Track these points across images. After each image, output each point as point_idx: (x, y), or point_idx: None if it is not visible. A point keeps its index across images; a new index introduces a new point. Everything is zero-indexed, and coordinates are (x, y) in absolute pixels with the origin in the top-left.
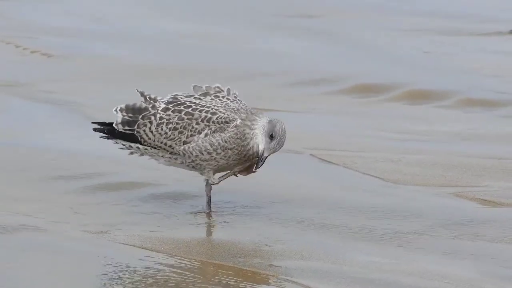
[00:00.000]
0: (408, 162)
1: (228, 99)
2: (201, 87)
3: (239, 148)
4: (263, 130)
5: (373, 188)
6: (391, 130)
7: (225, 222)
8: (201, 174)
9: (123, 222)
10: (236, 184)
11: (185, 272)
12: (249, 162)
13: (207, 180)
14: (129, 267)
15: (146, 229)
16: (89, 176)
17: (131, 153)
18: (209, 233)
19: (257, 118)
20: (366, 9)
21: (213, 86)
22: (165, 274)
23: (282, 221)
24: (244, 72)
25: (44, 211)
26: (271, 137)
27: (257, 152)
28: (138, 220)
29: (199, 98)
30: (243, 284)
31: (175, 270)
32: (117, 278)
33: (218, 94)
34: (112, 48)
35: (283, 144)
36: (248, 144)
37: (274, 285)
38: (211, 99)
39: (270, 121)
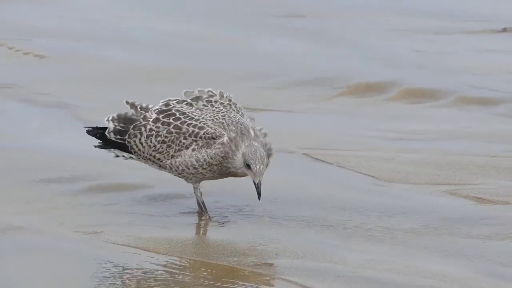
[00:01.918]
0: (402, 160)
1: (221, 103)
2: (193, 91)
3: (221, 166)
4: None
5: (367, 187)
6: (384, 129)
7: (219, 222)
8: (186, 181)
9: (117, 222)
10: (230, 185)
11: (179, 271)
12: (234, 176)
13: (194, 187)
14: (123, 267)
15: (139, 230)
16: (82, 177)
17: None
18: (203, 232)
19: (240, 145)
20: (359, 9)
21: (206, 90)
22: (159, 273)
23: (276, 220)
24: (239, 73)
25: (37, 212)
26: (248, 166)
27: (236, 173)
28: (132, 221)
29: (191, 104)
30: (238, 284)
31: (169, 269)
32: (111, 278)
33: (210, 99)
34: (105, 50)
35: (263, 161)
36: (228, 163)
37: (269, 284)
38: (203, 105)
39: (243, 154)
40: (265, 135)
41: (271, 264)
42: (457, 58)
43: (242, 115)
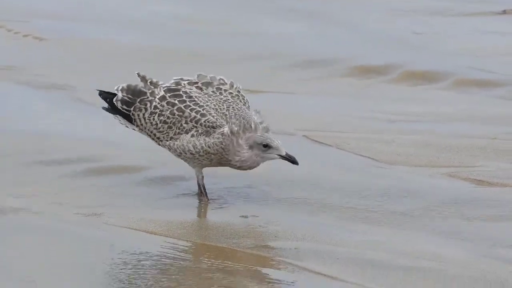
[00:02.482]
0: (402, 142)
1: (230, 93)
2: (206, 76)
3: (221, 156)
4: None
5: (367, 169)
6: (384, 111)
7: (218, 204)
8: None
9: (117, 204)
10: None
11: (179, 253)
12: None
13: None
14: (123, 249)
15: (139, 211)
16: (82, 159)
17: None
18: (202, 215)
19: (242, 137)
20: None
21: (218, 78)
22: (159, 255)
23: (276, 202)
24: (238, 55)
25: (37, 194)
26: (266, 146)
27: (234, 163)
28: (132, 203)
29: (201, 88)
30: (238, 265)
31: (169, 251)
32: (111, 260)
33: (220, 87)
34: (105, 32)
35: (271, 136)
36: (229, 156)
37: (268, 266)
38: (213, 91)
39: (250, 146)
40: (267, 129)
41: (271, 246)
42: (457, 40)
43: (248, 107)
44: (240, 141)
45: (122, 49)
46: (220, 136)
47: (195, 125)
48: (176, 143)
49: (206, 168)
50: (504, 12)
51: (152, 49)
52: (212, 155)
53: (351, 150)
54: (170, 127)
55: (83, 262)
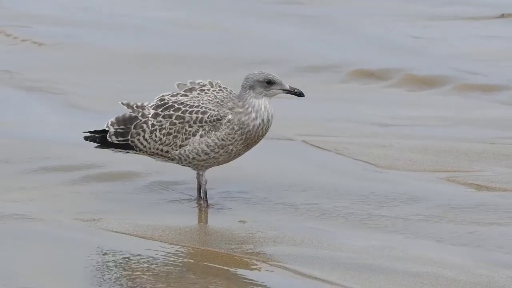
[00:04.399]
0: (400, 147)
1: (214, 90)
2: (185, 84)
3: (242, 137)
4: (259, 96)
5: (365, 174)
6: (383, 116)
7: (217, 209)
8: (193, 169)
9: (116, 210)
10: (228, 172)
11: (177, 258)
12: (254, 144)
13: (199, 174)
14: (122, 254)
15: (138, 217)
16: (80, 166)
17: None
18: (201, 220)
19: (243, 98)
20: None
21: (197, 82)
22: (157, 261)
23: (275, 207)
24: (237, 60)
25: (36, 200)
26: (270, 83)
27: (259, 125)
28: (130, 208)
29: (185, 95)
30: (236, 271)
31: (167, 257)
32: (109, 265)
33: (203, 88)
34: (103, 37)
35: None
36: (247, 121)
37: (267, 271)
38: (198, 93)
39: (251, 88)
40: None
41: (269, 252)
42: (455, 45)
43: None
44: (240, 102)
45: (121, 54)
46: (228, 123)
47: (200, 124)
48: (186, 149)
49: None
50: (503, 16)
51: (150, 55)
52: (230, 146)
53: (349, 155)
54: (175, 136)
55: (81, 267)
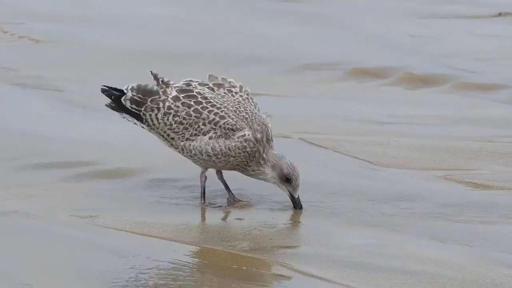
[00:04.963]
0: (398, 145)
1: (241, 96)
2: (217, 77)
3: (242, 160)
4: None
5: (362, 172)
6: (381, 114)
7: (214, 206)
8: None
9: (112, 207)
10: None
11: (173, 255)
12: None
13: (203, 171)
14: (118, 251)
15: (135, 214)
16: (77, 162)
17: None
18: (198, 217)
19: (267, 153)
20: None
21: (228, 80)
22: (154, 258)
23: (271, 205)
24: (235, 58)
25: (32, 196)
26: (287, 180)
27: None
28: (127, 206)
29: (213, 90)
30: (233, 268)
31: (164, 254)
32: (105, 262)
33: (231, 89)
34: (100, 34)
35: (298, 174)
36: (251, 163)
37: (264, 269)
38: (224, 93)
39: (274, 167)
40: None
41: (266, 249)
42: (454, 43)
43: (258, 110)
44: (265, 155)
45: (118, 52)
46: (243, 140)
47: (214, 127)
48: (192, 144)
49: (198, 171)
50: (500, 14)
51: (148, 51)
52: (232, 158)
53: (347, 153)
54: (186, 128)
55: (78, 265)
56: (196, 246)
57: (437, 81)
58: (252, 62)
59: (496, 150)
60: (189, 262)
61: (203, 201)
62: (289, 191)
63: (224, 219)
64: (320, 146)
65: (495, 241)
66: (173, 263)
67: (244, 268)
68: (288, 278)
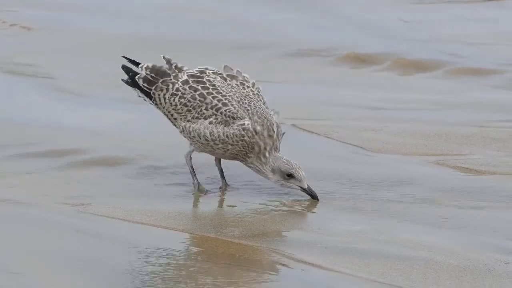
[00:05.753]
0: (390, 131)
1: (252, 91)
2: (233, 69)
3: (240, 149)
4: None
5: (355, 158)
6: (373, 99)
7: (206, 193)
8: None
9: (105, 195)
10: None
11: (166, 243)
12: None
13: (189, 151)
14: (110, 238)
15: (127, 202)
16: (69, 150)
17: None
18: (190, 205)
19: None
20: None
21: (243, 74)
22: (146, 245)
23: (263, 192)
24: (228, 44)
25: (24, 184)
26: (290, 176)
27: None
28: (120, 193)
29: (225, 80)
30: (225, 255)
31: (156, 241)
32: (97, 249)
33: (244, 82)
34: (92, 22)
35: (300, 165)
36: (250, 154)
37: (256, 256)
38: (236, 84)
39: (274, 170)
40: (282, 133)
41: (258, 236)
42: (446, 28)
43: (267, 107)
44: (267, 154)
45: (110, 39)
46: (241, 129)
47: (215, 112)
48: (192, 126)
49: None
50: None
51: (138, 38)
52: (230, 146)
53: (339, 138)
54: (189, 110)
55: (69, 253)
56: (188, 233)
57: (429, 66)
58: (244, 49)
59: (488, 135)
60: (181, 250)
61: (195, 181)
62: (298, 186)
63: (216, 206)
64: (312, 132)
65: (488, 226)
66: (165, 250)
67: (237, 255)
68: (281, 264)
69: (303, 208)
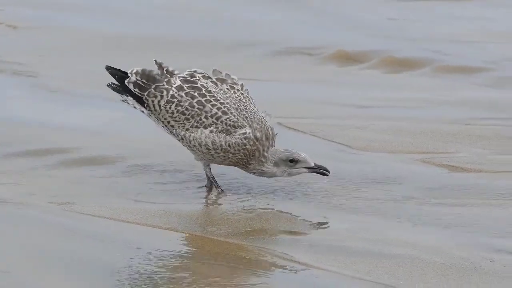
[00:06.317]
0: (376, 129)
1: (242, 94)
2: (221, 72)
3: (241, 157)
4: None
5: (340, 156)
6: (359, 97)
7: (192, 192)
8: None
9: (91, 194)
10: None
11: (152, 242)
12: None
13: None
14: (96, 237)
15: (113, 201)
16: (56, 149)
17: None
18: (176, 203)
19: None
20: None
21: (231, 76)
22: (132, 244)
23: (250, 190)
24: (218, 43)
25: (10, 183)
26: (294, 161)
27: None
28: (106, 192)
29: (216, 84)
30: (211, 253)
31: (142, 240)
32: (82, 248)
33: (233, 86)
34: (80, 20)
35: (296, 150)
36: (252, 161)
37: (242, 253)
38: (227, 88)
39: (276, 163)
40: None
41: (245, 234)
42: (434, 26)
43: (257, 109)
44: (266, 154)
45: (98, 38)
46: (243, 138)
47: (215, 121)
48: (192, 135)
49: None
50: None
51: (128, 37)
52: (231, 154)
53: (324, 136)
54: (187, 119)
55: (56, 251)
56: (173, 231)
57: (417, 64)
58: (232, 48)
59: (474, 133)
60: (166, 248)
61: (219, 190)
62: (305, 167)
63: (202, 204)
64: (298, 130)
65: (474, 224)
66: (151, 249)
67: (222, 253)
68: (267, 262)
69: (289, 207)
